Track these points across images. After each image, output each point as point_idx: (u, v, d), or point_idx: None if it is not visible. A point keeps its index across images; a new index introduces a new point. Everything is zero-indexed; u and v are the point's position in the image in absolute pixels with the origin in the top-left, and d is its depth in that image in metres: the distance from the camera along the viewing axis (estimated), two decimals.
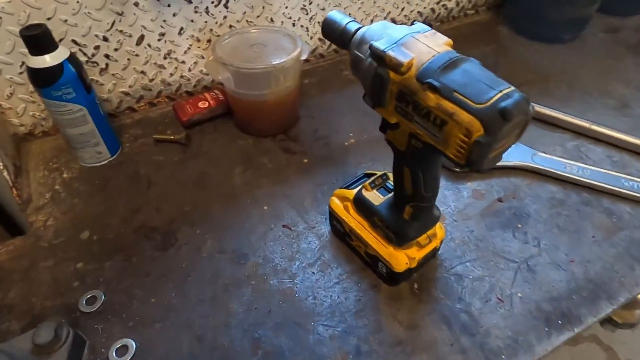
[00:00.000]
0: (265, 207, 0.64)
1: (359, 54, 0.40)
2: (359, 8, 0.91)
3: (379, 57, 0.36)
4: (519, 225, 0.61)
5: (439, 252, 0.57)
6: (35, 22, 0.61)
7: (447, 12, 1.05)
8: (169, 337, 0.50)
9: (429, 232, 0.50)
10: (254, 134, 0.76)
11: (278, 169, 0.70)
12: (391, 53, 0.35)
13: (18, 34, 0.59)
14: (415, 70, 0.35)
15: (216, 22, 0.78)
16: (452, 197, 0.65)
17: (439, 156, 0.41)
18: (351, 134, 0.76)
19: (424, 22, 0.97)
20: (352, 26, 0.43)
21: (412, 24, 0.39)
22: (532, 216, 0.62)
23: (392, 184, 0.53)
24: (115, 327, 0.51)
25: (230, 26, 0.80)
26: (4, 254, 0.58)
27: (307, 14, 0.86)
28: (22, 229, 0.62)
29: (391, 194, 0.51)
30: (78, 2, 0.65)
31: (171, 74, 0.80)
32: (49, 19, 0.65)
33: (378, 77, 0.37)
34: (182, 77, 0.82)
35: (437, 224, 0.52)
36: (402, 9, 0.97)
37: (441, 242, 0.54)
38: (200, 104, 0.78)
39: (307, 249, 0.59)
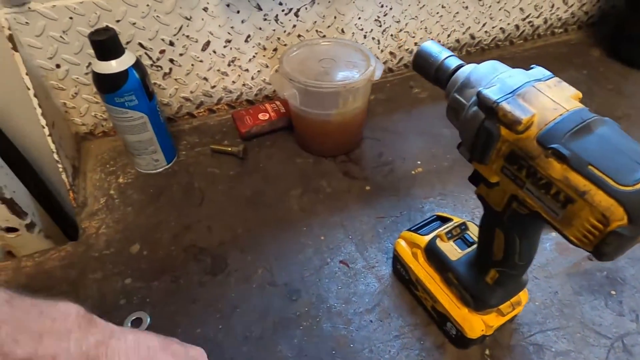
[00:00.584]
0: (322, 238, 0.59)
1: (460, 99, 0.34)
2: (437, 22, 0.84)
3: (490, 109, 0.30)
4: (613, 292, 0.53)
5: (517, 317, 0.50)
6: (105, 24, 0.60)
7: (533, 29, 0.95)
8: None
9: (513, 300, 0.44)
10: (315, 153, 0.71)
11: (337, 195, 0.65)
12: (506, 106, 0.29)
13: (86, 36, 0.57)
14: (537, 130, 0.29)
15: (284, 31, 0.74)
16: None
17: (545, 224, 0.35)
18: (419, 162, 0.70)
19: (506, 39, 0.89)
20: (452, 62, 0.37)
21: (529, 68, 0.33)
22: (628, 282, 0.54)
23: (472, 236, 0.47)
24: None
25: (299, 35, 0.75)
26: (55, 260, 0.57)
27: (380, 26, 0.80)
28: (75, 234, 0.61)
29: (471, 249, 0.45)
30: (148, 5, 0.63)
31: (233, 82, 0.77)
32: (118, 21, 0.63)
33: (485, 131, 0.31)
34: (244, 85, 0.78)
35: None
36: (484, 25, 0.88)
37: (522, 308, 0.47)
38: (261, 116, 0.74)
39: (365, 292, 0.53)
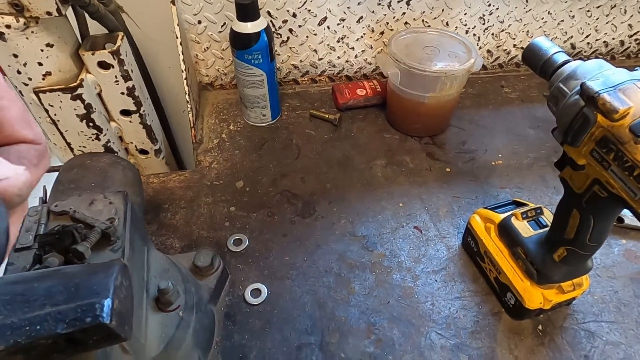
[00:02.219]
0: (401, 205, 0.66)
1: (564, 88, 0.39)
2: (540, 27, 0.86)
3: (591, 97, 0.35)
4: None
5: (573, 303, 0.55)
6: None
7: (639, 47, 0.94)
8: (296, 295, 0.55)
9: (575, 281, 0.48)
10: (402, 131, 0.78)
11: (418, 171, 0.72)
12: (606, 96, 0.34)
13: None
14: (631, 120, 0.33)
15: (394, 17, 0.80)
16: (600, 250, 0.60)
17: (621, 209, 0.39)
18: (500, 155, 0.74)
19: (607, 54, 0.89)
20: (559, 57, 0.42)
21: (633, 69, 0.37)
22: None
23: (546, 220, 0.52)
24: (253, 271, 0.58)
25: (406, 23, 0.82)
26: (176, 182, 0.69)
27: (483, 23, 0.84)
28: (182, 168, 0.72)
29: (543, 230, 0.50)
30: None
31: (339, 57, 0.85)
32: None
33: (582, 117, 0.36)
34: (347, 61, 0.86)
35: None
36: (587, 36, 0.89)
37: (582, 292, 0.51)
38: (358, 91, 0.81)
39: (434, 256, 0.60)
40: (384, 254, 0.60)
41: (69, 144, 0.66)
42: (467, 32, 0.85)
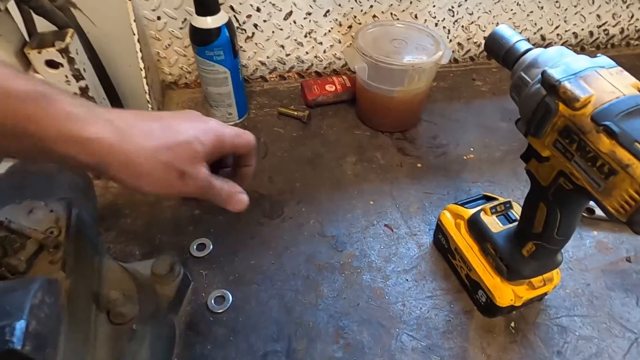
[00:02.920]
0: (371, 202, 0.65)
1: (525, 77, 0.37)
2: (509, 19, 0.85)
3: (552, 86, 0.34)
4: None
5: (546, 298, 0.54)
6: None
7: (607, 38, 0.94)
8: (262, 300, 0.53)
9: (546, 276, 0.47)
10: (372, 127, 0.76)
11: (389, 168, 0.70)
12: (567, 85, 0.33)
13: None
14: (592, 108, 0.32)
15: (361, 10, 0.78)
16: (571, 242, 0.59)
17: (586, 202, 0.38)
18: (472, 149, 0.73)
19: (577, 45, 0.89)
20: (522, 46, 0.40)
21: (594, 56, 0.36)
22: None
23: (515, 214, 0.50)
24: (217, 277, 0.55)
25: (374, 16, 0.80)
26: None
27: (452, 15, 0.83)
28: None
29: (512, 225, 0.49)
30: None
31: (307, 52, 0.83)
32: None
33: (544, 106, 0.35)
34: (316, 57, 0.84)
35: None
36: (557, 27, 0.89)
37: (554, 287, 0.50)
38: (327, 87, 0.79)
39: (404, 255, 0.58)
40: (354, 254, 0.58)
41: (16, 162, 0.62)
42: (436, 24, 0.84)
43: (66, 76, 0.59)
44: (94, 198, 0.52)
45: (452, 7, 0.81)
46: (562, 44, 0.92)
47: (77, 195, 0.46)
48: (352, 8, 0.78)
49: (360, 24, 0.80)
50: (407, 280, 0.55)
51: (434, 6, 0.80)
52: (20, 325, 0.23)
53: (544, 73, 0.35)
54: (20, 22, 0.58)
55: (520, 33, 0.88)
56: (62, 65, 0.57)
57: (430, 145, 0.74)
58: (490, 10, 0.83)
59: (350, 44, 0.82)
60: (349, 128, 0.77)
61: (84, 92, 0.61)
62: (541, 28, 0.89)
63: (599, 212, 0.61)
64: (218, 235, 0.60)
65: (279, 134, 0.75)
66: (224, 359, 0.48)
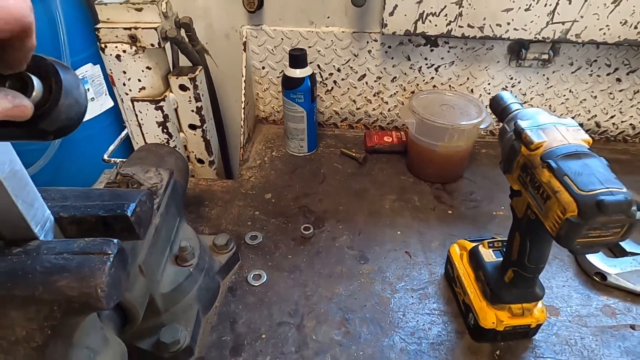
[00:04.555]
0: (399, 233, 0.75)
1: (507, 127, 0.49)
2: (562, 103, 0.94)
3: (518, 132, 0.45)
4: None
5: (536, 339, 0.58)
6: (300, 47, 0.88)
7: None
8: (288, 285, 0.65)
9: (525, 305, 0.53)
10: (417, 176, 0.88)
11: (422, 209, 0.80)
12: (528, 132, 0.44)
13: (287, 52, 0.86)
14: (543, 150, 0.42)
15: (424, 80, 0.94)
16: (577, 300, 0.64)
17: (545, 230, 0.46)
18: (503, 207, 0.81)
19: (636, 136, 0.93)
20: (514, 106, 0.52)
21: (562, 116, 0.46)
22: None
23: None
24: (259, 261, 0.69)
25: (434, 86, 0.94)
26: (219, 186, 0.85)
27: None
28: (229, 177, 0.88)
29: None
30: (332, 40, 0.90)
31: (374, 109, 0.99)
32: (309, 47, 0.91)
33: (512, 148, 0.45)
34: (381, 113, 1.00)
35: (539, 307, 0.54)
36: (612, 117, 0.95)
37: (538, 325, 0.56)
38: (386, 138, 0.94)
39: (416, 277, 0.67)
40: (373, 269, 0.69)
41: (146, 143, 0.85)
42: None
43: (189, 97, 0.82)
44: (187, 178, 0.71)
45: (506, 86, 0.93)
46: (619, 134, 0.97)
47: (177, 171, 0.65)
48: (415, 77, 0.94)
49: (421, 90, 0.95)
50: (412, 297, 0.64)
51: (489, 84, 0.93)
52: (132, 205, 0.39)
53: (515, 123, 0.46)
54: (169, 56, 0.83)
55: (572, 118, 0.96)
56: (189, 89, 0.80)
57: (465, 198, 0.83)
58: (542, 94, 0.93)
59: (408, 103, 0.97)
60: (396, 173, 0.89)
61: (199, 111, 0.83)
62: (595, 115, 0.95)
63: (610, 278, 0.65)
64: (268, 232, 0.75)
65: (337, 169, 0.90)
66: (250, 319, 0.61)
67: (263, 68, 0.95)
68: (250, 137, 0.98)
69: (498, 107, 0.53)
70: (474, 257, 0.59)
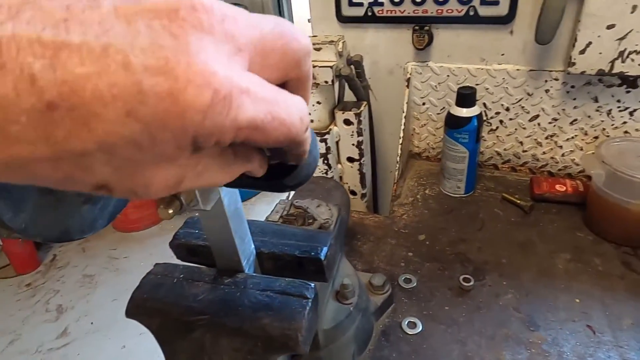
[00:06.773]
0: (577, 300, 0.65)
1: None
2: None
3: None
4: None
5: None
6: (468, 84, 0.84)
7: None
8: (446, 339, 0.61)
9: None
10: (598, 234, 0.76)
11: (607, 276, 0.69)
12: None
13: (452, 90, 0.83)
14: None
15: (612, 125, 0.82)
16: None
17: None
18: None
19: None
20: None
21: None
22: None
23: None
24: (414, 307, 0.66)
25: (625, 132, 0.81)
26: (371, 221, 0.85)
27: None
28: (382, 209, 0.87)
29: None
30: (504, 78, 0.84)
31: (544, 152, 0.90)
32: (477, 84, 0.87)
33: None
34: (552, 158, 0.90)
35: None
36: None
37: None
38: (558, 186, 0.84)
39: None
40: (545, 339, 0.60)
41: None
42: None
43: (352, 131, 0.84)
44: (349, 213, 0.72)
45: None
46: None
47: (342, 206, 0.66)
48: (602, 121, 0.82)
49: (608, 136, 0.83)
50: None
51: None
52: (325, 249, 0.40)
53: None
54: (336, 91, 0.87)
55: None
56: (352, 124, 0.82)
57: None
58: None
59: (593, 152, 0.85)
60: (570, 228, 0.79)
61: (359, 144, 0.85)
62: None
63: None
64: (423, 277, 0.71)
65: (498, 215, 0.83)
66: None
67: (423, 104, 0.94)
68: (402, 173, 0.97)
69: None
70: None
